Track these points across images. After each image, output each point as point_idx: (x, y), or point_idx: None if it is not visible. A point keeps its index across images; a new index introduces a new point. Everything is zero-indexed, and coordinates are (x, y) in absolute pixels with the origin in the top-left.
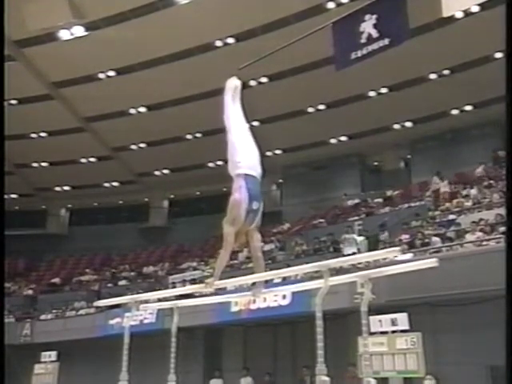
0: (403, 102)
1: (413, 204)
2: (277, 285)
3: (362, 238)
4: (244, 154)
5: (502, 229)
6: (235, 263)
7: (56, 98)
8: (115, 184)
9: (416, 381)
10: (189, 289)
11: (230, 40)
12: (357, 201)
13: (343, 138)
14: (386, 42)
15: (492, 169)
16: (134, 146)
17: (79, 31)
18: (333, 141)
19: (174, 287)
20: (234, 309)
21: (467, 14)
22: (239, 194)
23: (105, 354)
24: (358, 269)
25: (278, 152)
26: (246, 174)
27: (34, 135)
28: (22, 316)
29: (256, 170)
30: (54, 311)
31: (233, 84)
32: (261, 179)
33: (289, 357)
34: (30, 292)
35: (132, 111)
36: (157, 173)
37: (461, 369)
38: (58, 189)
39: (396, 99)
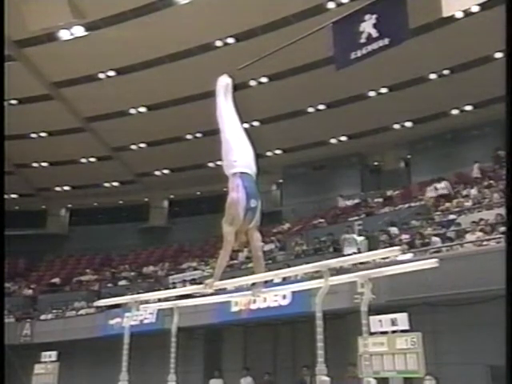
0: (403, 102)
1: (413, 204)
2: (277, 285)
3: (361, 238)
4: (239, 153)
5: (502, 229)
6: (235, 263)
7: (56, 98)
8: (115, 184)
9: (416, 381)
10: (189, 289)
11: (230, 40)
12: (357, 201)
13: (343, 138)
14: (386, 41)
15: (490, 168)
16: (133, 146)
17: (79, 31)
18: (333, 141)
19: (174, 287)
20: (234, 309)
21: (467, 14)
22: (236, 193)
23: (105, 354)
24: (358, 269)
25: (277, 152)
26: (242, 173)
27: (34, 135)
28: (22, 316)
29: (251, 168)
30: (54, 311)
31: (224, 82)
32: (256, 177)
33: (289, 357)
34: (30, 292)
35: (132, 111)
36: (157, 173)
37: (461, 369)
38: (58, 189)
39: (396, 99)
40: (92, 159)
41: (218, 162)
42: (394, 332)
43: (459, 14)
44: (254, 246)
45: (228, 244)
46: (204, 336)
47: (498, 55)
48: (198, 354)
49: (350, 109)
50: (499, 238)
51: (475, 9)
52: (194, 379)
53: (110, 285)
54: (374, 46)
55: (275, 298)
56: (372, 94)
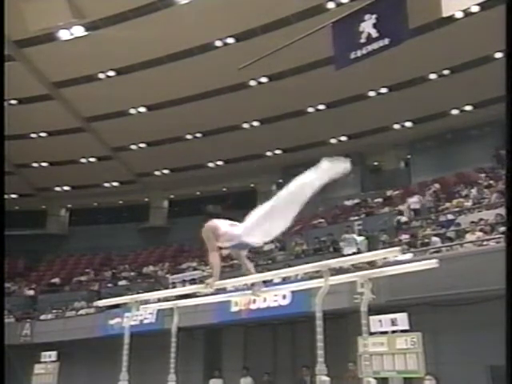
0: (403, 102)
1: None
2: (277, 285)
3: (361, 238)
4: (263, 237)
5: (502, 229)
6: (235, 263)
7: (56, 98)
8: (115, 184)
9: (416, 381)
10: (189, 289)
11: (230, 40)
12: (357, 201)
13: (343, 138)
14: (386, 41)
15: (490, 168)
16: (133, 146)
17: (79, 31)
18: (333, 141)
19: (174, 287)
20: (234, 309)
21: (467, 14)
22: (225, 250)
23: (105, 354)
24: (357, 269)
25: (278, 152)
26: (247, 244)
27: (33, 135)
28: (22, 316)
29: (256, 244)
30: (54, 311)
31: (342, 169)
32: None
33: (289, 357)
34: (30, 292)
35: (132, 111)
36: (157, 173)
37: (461, 369)
38: (57, 189)
39: (396, 99)
40: (92, 159)
41: (218, 162)
42: (393, 332)
43: (459, 14)
44: (238, 254)
45: (211, 249)
46: (204, 336)
47: (498, 55)
48: (198, 354)
49: (350, 109)
50: (499, 237)
51: (475, 9)
52: (194, 379)
53: (110, 285)
54: (374, 45)
55: (275, 298)
56: (372, 93)
